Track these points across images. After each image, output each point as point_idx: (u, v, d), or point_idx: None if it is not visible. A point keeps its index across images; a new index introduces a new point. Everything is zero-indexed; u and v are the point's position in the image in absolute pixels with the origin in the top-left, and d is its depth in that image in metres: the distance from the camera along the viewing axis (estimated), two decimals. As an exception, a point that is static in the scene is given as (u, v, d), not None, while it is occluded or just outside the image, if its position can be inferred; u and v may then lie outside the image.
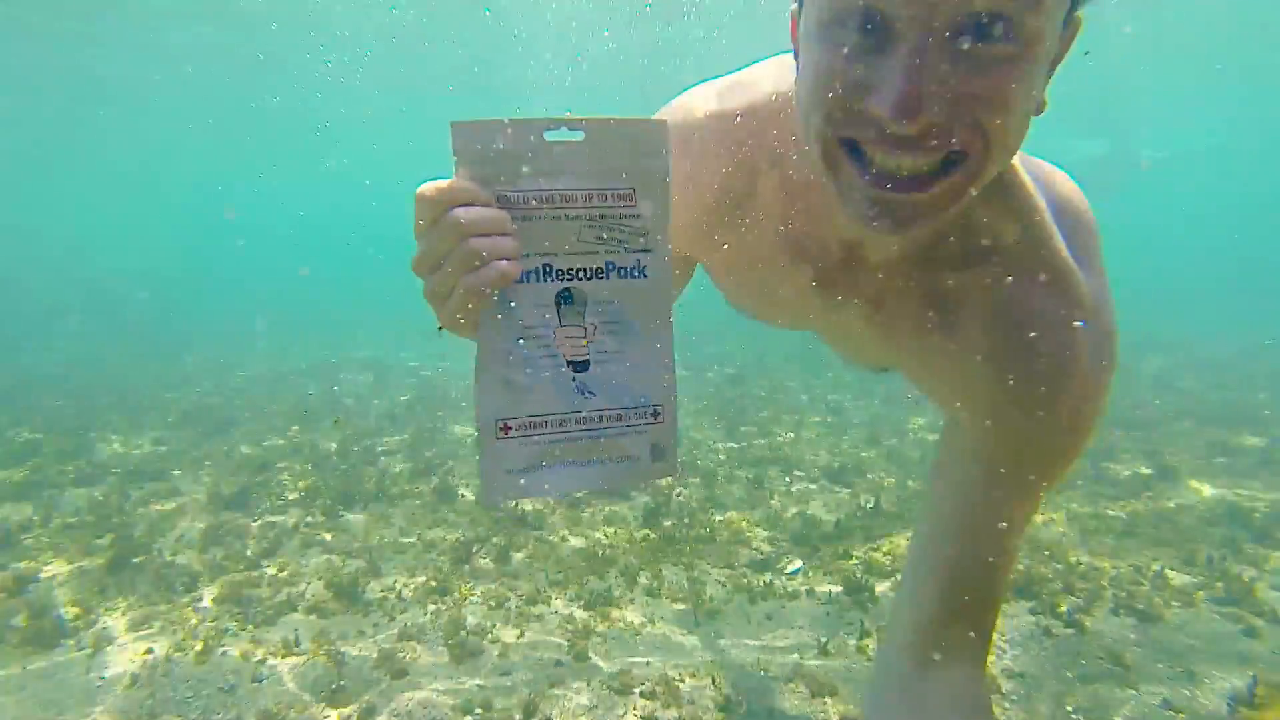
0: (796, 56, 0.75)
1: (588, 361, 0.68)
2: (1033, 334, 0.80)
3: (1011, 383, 0.81)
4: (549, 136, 0.62)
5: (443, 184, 0.59)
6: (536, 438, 0.68)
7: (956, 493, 0.89)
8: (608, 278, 0.67)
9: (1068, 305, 0.80)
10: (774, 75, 0.93)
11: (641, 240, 0.68)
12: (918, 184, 0.66)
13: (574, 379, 0.68)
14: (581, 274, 0.66)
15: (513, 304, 0.64)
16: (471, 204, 0.59)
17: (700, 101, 0.94)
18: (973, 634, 0.87)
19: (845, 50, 0.63)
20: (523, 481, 0.68)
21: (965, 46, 0.59)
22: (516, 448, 0.67)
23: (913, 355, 0.91)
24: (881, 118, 0.62)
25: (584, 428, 0.70)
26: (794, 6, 0.75)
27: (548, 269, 0.65)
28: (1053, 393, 0.80)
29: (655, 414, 0.73)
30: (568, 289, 0.66)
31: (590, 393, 0.69)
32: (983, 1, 0.57)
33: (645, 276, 0.69)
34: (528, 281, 0.64)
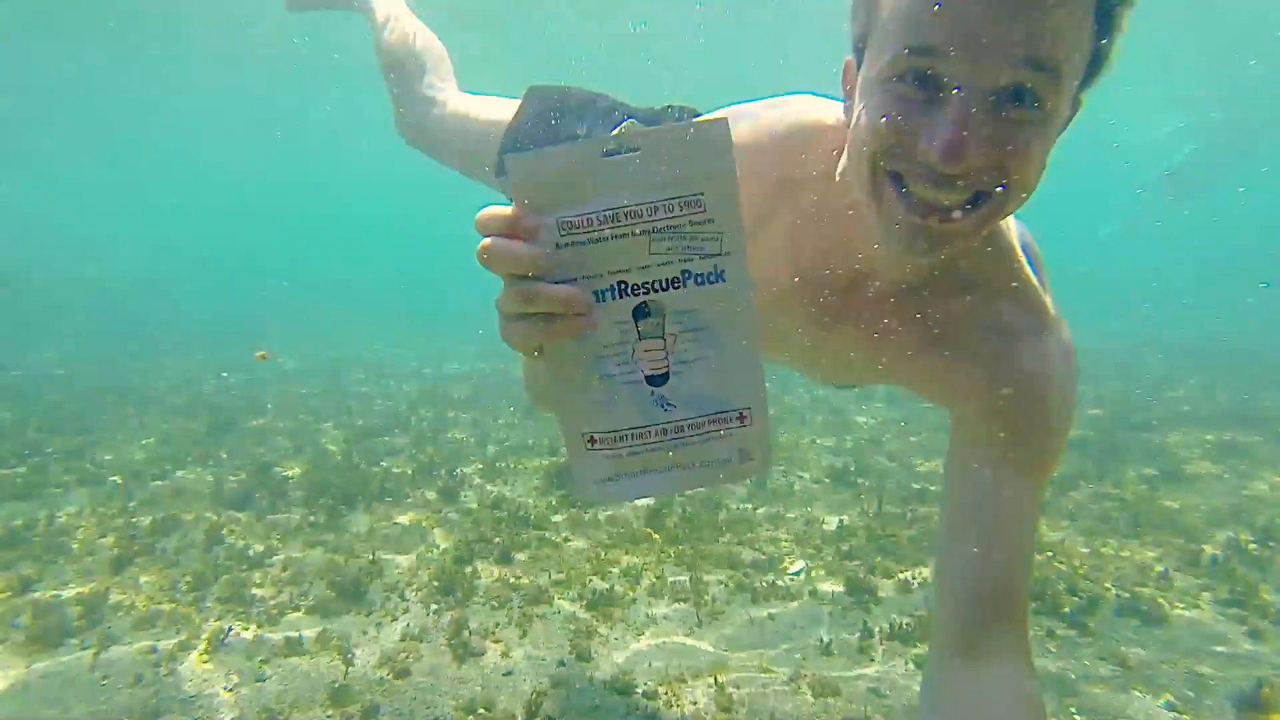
0: (848, 98, 0.90)
1: (667, 374, 0.70)
2: (1014, 339, 0.98)
3: (999, 379, 0.98)
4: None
5: (486, 210, 0.61)
6: (621, 449, 0.71)
7: (966, 483, 1.01)
8: (685, 286, 0.68)
9: (1038, 316, 1.00)
10: (805, 110, 1.04)
11: (716, 244, 0.68)
12: (949, 214, 0.80)
13: (652, 393, 0.70)
14: (657, 286, 0.67)
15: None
16: (509, 232, 0.61)
17: (737, 119, 0.99)
18: (1007, 622, 0.94)
19: (902, 100, 0.77)
20: (611, 488, 0.72)
21: (1001, 111, 0.74)
22: (603, 459, 0.71)
23: (907, 370, 1.07)
24: (930, 158, 0.75)
25: (666, 437, 0.72)
26: (849, 57, 0.89)
27: (622, 286, 0.66)
28: (1034, 382, 0.97)
29: (741, 417, 0.73)
30: (644, 303, 0.67)
31: (670, 405, 0.71)
32: (1016, 76, 0.72)
33: (724, 280, 0.69)
34: (603, 301, 0.66)
